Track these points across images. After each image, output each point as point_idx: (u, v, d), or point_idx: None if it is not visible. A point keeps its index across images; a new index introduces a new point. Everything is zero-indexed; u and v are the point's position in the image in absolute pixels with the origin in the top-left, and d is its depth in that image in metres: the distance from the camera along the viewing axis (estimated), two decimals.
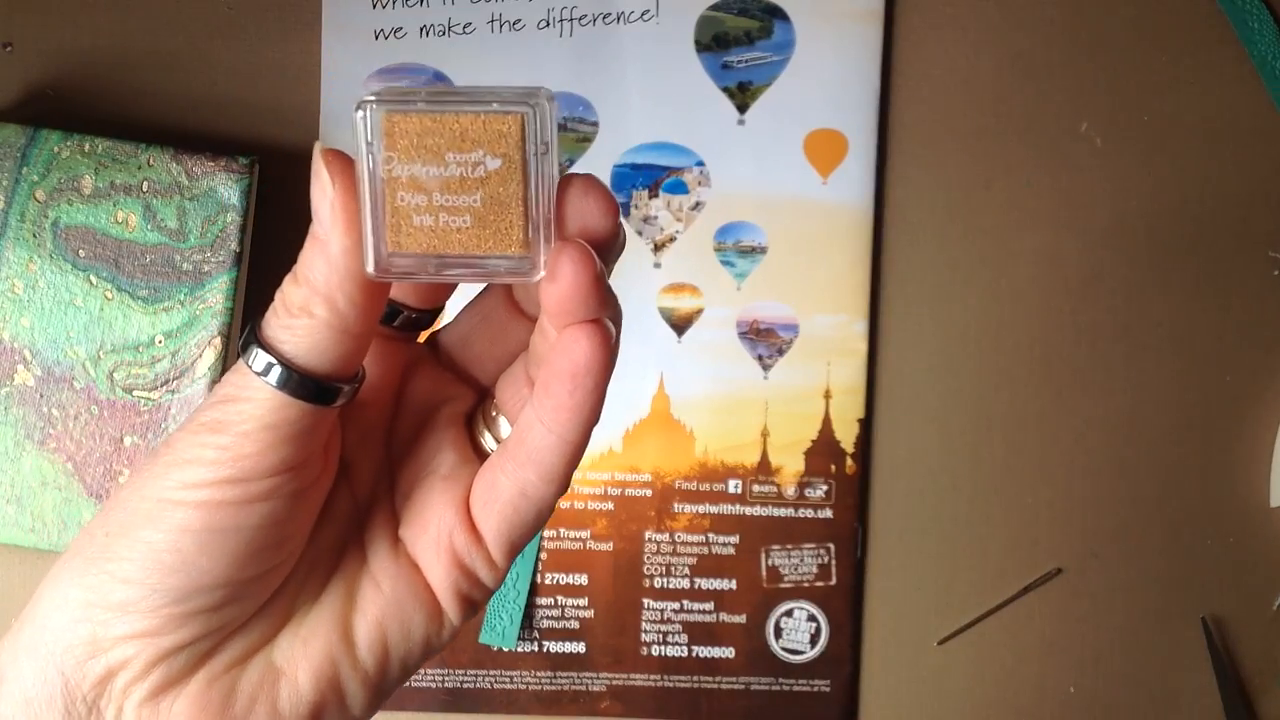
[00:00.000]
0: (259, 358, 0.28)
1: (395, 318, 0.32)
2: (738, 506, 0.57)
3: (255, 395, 0.28)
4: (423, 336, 0.34)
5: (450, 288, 0.32)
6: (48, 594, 0.29)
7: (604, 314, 0.28)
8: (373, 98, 0.27)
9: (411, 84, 0.56)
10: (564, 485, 0.30)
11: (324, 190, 0.27)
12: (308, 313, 0.28)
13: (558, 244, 0.28)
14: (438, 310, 0.33)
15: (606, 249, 0.29)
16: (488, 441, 0.33)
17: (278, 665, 0.30)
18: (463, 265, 0.28)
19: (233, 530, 0.28)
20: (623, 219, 0.56)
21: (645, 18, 0.56)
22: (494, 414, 0.33)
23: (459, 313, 0.34)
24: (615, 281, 0.29)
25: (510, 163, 0.27)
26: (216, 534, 0.28)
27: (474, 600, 0.32)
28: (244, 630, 0.30)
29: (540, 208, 0.28)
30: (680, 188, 0.57)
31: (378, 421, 0.33)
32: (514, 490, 0.30)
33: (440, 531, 0.31)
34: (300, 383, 0.28)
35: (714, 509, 0.57)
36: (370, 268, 0.28)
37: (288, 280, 0.29)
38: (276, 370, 0.28)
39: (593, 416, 0.29)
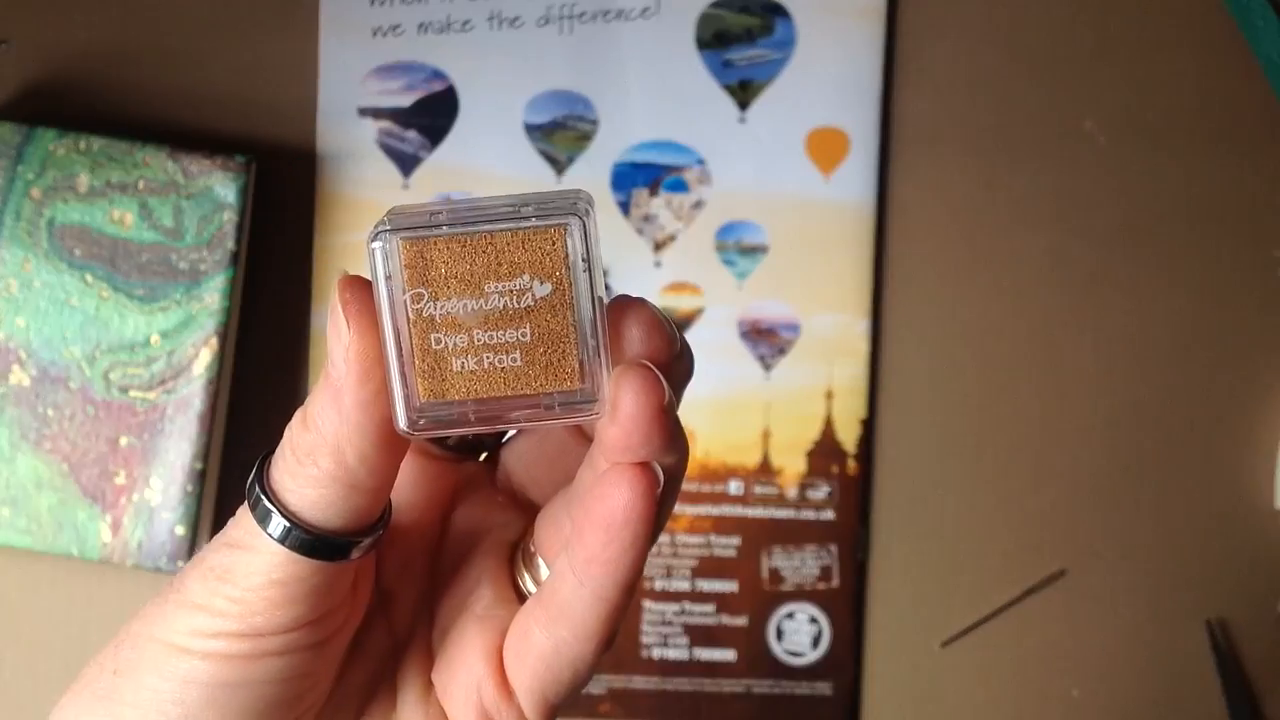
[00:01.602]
0: (261, 506, 0.25)
1: (447, 439, 0.29)
2: (739, 508, 0.56)
3: (261, 548, 0.25)
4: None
5: None
6: None
7: (663, 455, 0.24)
8: (387, 225, 0.23)
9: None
10: (605, 643, 0.26)
11: (339, 333, 0.24)
12: (314, 462, 0.25)
13: (618, 370, 0.23)
14: (500, 434, 0.29)
15: (670, 375, 0.24)
16: (526, 583, 0.29)
17: None
18: (511, 408, 0.24)
19: (242, 685, 0.25)
20: (628, 219, 0.56)
21: (646, 15, 0.56)
22: (532, 551, 0.29)
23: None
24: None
25: (561, 285, 0.23)
26: (225, 688, 0.25)
27: None
28: None
29: (592, 332, 0.24)
30: (681, 186, 0.56)
31: (422, 546, 0.29)
32: (547, 646, 0.26)
33: (469, 681, 0.27)
34: (306, 541, 0.25)
35: (715, 510, 0.56)
36: (402, 424, 0.24)
37: (297, 418, 0.25)
38: (280, 523, 0.25)
39: (633, 573, 0.25)
